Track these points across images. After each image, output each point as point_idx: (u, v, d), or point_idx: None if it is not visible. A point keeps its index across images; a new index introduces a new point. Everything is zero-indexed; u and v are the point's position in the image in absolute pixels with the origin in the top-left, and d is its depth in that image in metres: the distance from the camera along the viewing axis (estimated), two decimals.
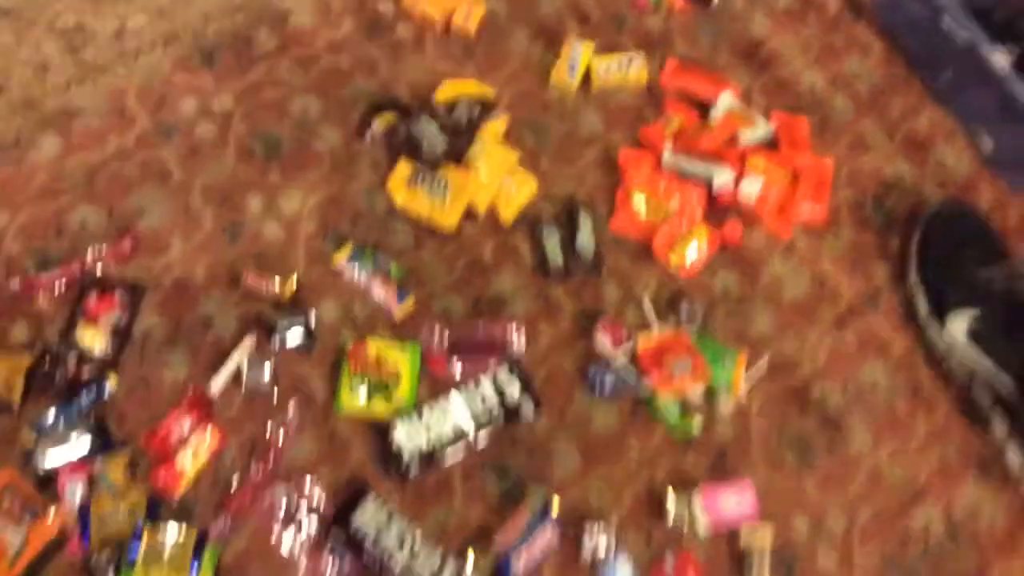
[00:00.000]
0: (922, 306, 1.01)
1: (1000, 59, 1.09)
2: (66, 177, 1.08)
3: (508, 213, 1.09)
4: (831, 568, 0.92)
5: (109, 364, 0.95)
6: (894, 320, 1.04)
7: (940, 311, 0.98)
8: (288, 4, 1.21)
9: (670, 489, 0.92)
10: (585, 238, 1.06)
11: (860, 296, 1.06)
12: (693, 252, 1.05)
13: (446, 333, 0.99)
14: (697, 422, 0.96)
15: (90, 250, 1.01)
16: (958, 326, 0.96)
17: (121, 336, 0.97)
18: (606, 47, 1.20)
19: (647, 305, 1.03)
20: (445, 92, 1.14)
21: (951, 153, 1.15)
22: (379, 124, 1.12)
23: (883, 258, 1.08)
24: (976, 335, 0.95)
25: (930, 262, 1.01)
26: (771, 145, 1.13)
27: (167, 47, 1.18)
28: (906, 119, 1.17)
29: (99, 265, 1.01)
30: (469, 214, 1.08)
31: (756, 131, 1.12)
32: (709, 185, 1.09)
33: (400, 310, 1.01)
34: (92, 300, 0.98)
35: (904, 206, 1.11)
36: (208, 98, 1.14)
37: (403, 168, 1.09)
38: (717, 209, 1.10)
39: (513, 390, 0.96)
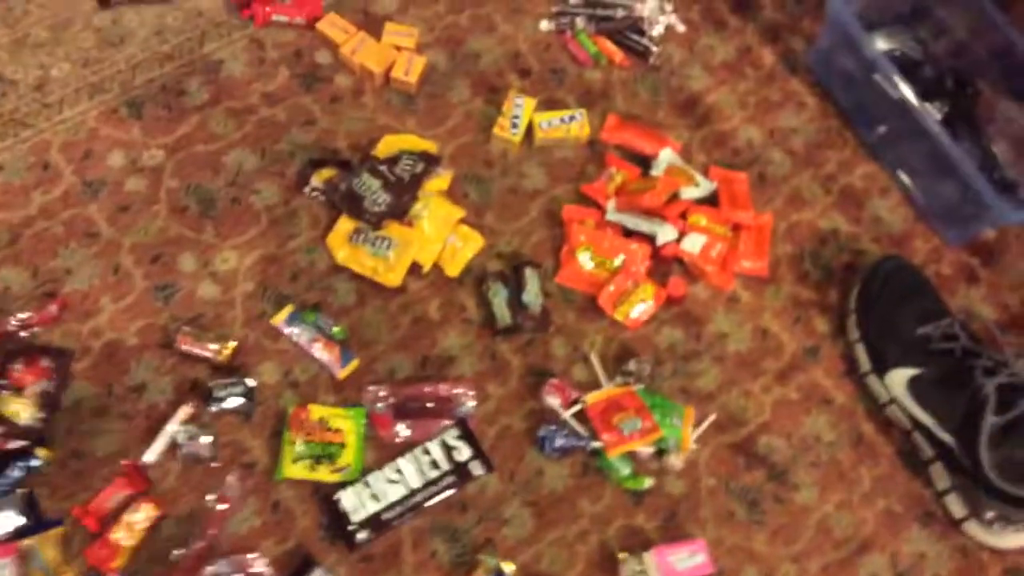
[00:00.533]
0: (863, 362, 1.08)
1: (930, 116, 1.18)
2: None
3: (454, 269, 1.12)
4: None
5: (37, 436, 0.95)
6: (835, 372, 1.11)
7: (880, 367, 1.05)
8: (221, 53, 1.23)
9: (621, 555, 0.96)
10: (532, 294, 1.10)
11: (802, 349, 1.12)
12: (639, 308, 1.10)
13: (392, 396, 1.02)
14: (648, 480, 1.00)
15: (14, 315, 1.01)
16: (898, 380, 1.03)
17: (49, 405, 0.97)
18: (547, 101, 1.25)
19: (595, 363, 1.07)
20: (386, 147, 1.18)
21: (886, 207, 1.24)
22: (318, 179, 1.15)
23: (823, 311, 1.15)
24: (916, 391, 1.02)
25: (870, 319, 1.08)
26: (711, 201, 1.19)
27: (93, 98, 1.19)
28: (842, 173, 1.25)
29: (24, 331, 1.01)
30: (413, 270, 1.11)
31: (697, 189, 1.18)
32: (653, 241, 1.15)
33: (344, 372, 1.04)
34: (17, 368, 0.97)
35: (841, 260, 1.19)
36: (137, 152, 1.15)
37: (344, 224, 1.12)
38: (660, 264, 1.15)
39: (462, 453, 0.99)
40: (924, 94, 1.26)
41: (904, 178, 1.25)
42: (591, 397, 1.04)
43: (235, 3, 1.25)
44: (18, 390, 0.97)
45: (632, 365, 1.07)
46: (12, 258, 1.07)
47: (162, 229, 1.11)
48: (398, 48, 1.24)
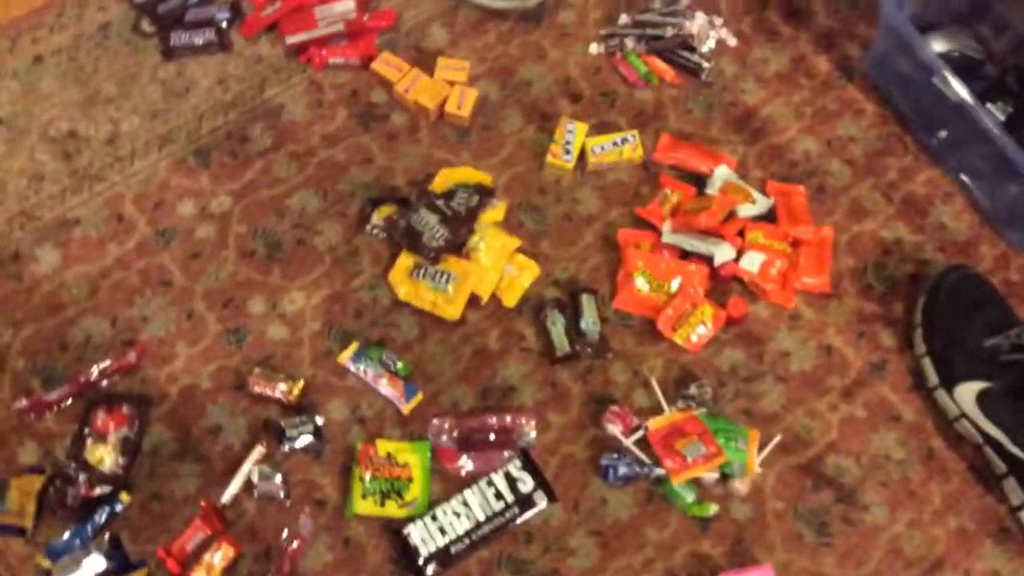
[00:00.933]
0: (931, 377, 1.06)
1: (991, 117, 1.15)
2: (68, 289, 1.13)
3: (511, 299, 1.14)
4: None
5: (120, 481, 0.99)
6: (903, 387, 1.09)
7: (948, 381, 1.03)
8: (281, 99, 1.27)
9: None
10: (589, 321, 1.11)
11: (867, 365, 1.10)
12: (699, 330, 1.10)
13: (456, 429, 1.04)
14: (713, 506, 1.00)
15: (96, 364, 1.06)
16: (967, 395, 1.01)
17: (131, 451, 1.01)
18: (599, 124, 1.26)
19: (655, 388, 1.07)
20: (442, 181, 1.20)
21: (950, 213, 1.20)
22: (378, 217, 1.17)
23: (888, 325, 1.13)
24: (985, 405, 0.99)
25: (936, 332, 1.06)
26: (769, 217, 1.18)
27: (162, 149, 1.24)
28: (903, 181, 1.23)
29: (105, 379, 1.06)
30: (472, 301, 1.13)
31: (754, 207, 1.17)
32: (710, 261, 1.14)
33: (408, 406, 1.06)
34: (100, 416, 1.02)
35: (905, 271, 1.16)
36: (206, 199, 1.20)
37: (404, 261, 1.14)
38: (719, 284, 1.15)
39: (526, 484, 1.00)
40: (986, 94, 1.22)
41: (968, 182, 1.22)
42: (653, 423, 1.04)
43: (292, 48, 1.29)
44: (101, 437, 1.02)
45: (693, 389, 1.06)
46: (92, 309, 1.12)
47: (232, 274, 1.15)
48: (451, 83, 1.26)
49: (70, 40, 1.33)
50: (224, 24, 1.30)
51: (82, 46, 1.32)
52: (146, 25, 1.32)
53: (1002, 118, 1.20)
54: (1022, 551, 1.00)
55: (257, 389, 1.05)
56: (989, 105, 1.21)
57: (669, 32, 1.29)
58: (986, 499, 1.03)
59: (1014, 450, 0.97)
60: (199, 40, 1.28)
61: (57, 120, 1.26)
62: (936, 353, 1.05)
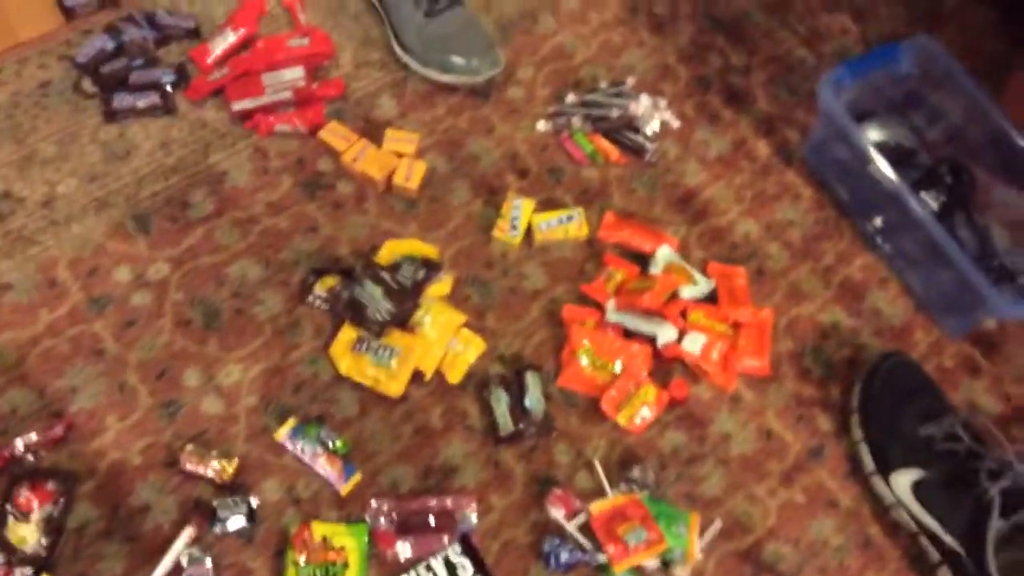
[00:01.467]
0: (867, 463, 1.07)
1: (923, 206, 1.18)
2: None
3: (455, 375, 1.12)
4: None
5: (42, 562, 0.94)
6: (840, 473, 1.09)
7: (884, 468, 1.04)
8: (225, 165, 1.25)
9: None
10: (534, 399, 1.10)
11: (806, 450, 1.11)
12: (642, 412, 1.09)
13: (394, 511, 1.01)
14: None
15: (20, 437, 1.01)
16: (903, 483, 1.02)
17: (55, 530, 0.96)
18: (546, 200, 1.26)
19: (599, 470, 1.06)
20: (388, 253, 1.18)
21: (886, 298, 1.23)
22: (321, 288, 1.15)
23: (825, 409, 1.14)
24: (920, 494, 1.00)
25: (872, 418, 1.07)
26: (711, 298, 1.19)
27: (99, 213, 1.20)
28: (840, 265, 1.25)
29: (30, 453, 1.01)
30: (415, 377, 1.11)
31: (696, 288, 1.18)
32: (653, 341, 1.14)
33: (346, 487, 1.03)
34: (23, 493, 0.97)
35: (843, 355, 1.18)
36: (143, 266, 1.16)
37: (347, 334, 1.12)
38: (662, 364, 1.15)
39: (466, 570, 0.98)
40: (920, 183, 1.26)
41: (903, 269, 1.25)
42: (595, 507, 1.02)
43: (238, 114, 1.27)
44: (24, 515, 0.96)
45: (636, 472, 1.06)
46: (19, 379, 1.07)
47: (167, 344, 1.11)
48: (399, 154, 1.26)
49: (8, 97, 1.29)
50: (169, 87, 1.28)
51: (20, 104, 1.28)
52: (88, 85, 1.29)
53: (935, 207, 1.24)
54: None
55: (189, 467, 1.01)
56: (923, 194, 1.24)
57: (615, 113, 1.31)
58: None
59: (948, 540, 0.98)
60: (142, 103, 1.26)
61: None
62: (872, 440, 1.07)
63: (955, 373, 1.18)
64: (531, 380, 1.11)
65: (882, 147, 1.27)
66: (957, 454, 0.99)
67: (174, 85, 1.28)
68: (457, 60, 1.29)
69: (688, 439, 1.10)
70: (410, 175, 1.24)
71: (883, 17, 1.49)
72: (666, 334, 1.14)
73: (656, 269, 1.20)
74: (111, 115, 1.26)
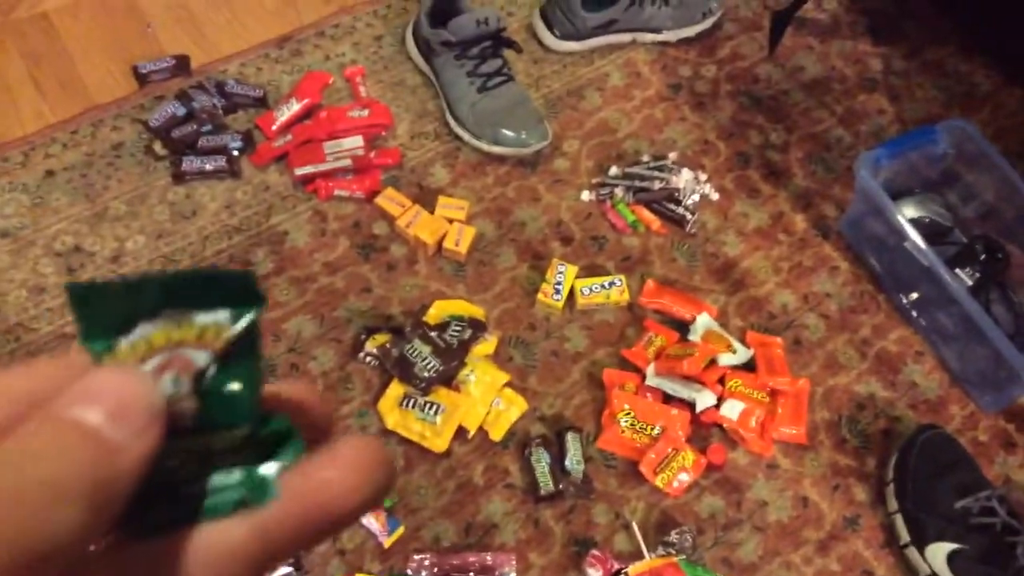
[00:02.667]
0: (902, 535, 1.07)
1: (957, 282, 1.20)
2: None
3: (498, 433, 1.15)
4: None
5: None
6: (875, 543, 1.10)
7: (920, 540, 1.04)
8: (286, 226, 1.30)
9: None
10: (574, 460, 1.12)
11: (842, 519, 1.11)
12: (680, 476, 1.11)
13: (436, 566, 1.03)
14: None
15: None
16: (938, 555, 1.02)
17: None
18: (588, 267, 1.30)
19: (636, 532, 1.08)
20: (437, 312, 1.22)
21: (921, 371, 1.24)
22: (372, 345, 1.19)
23: (861, 479, 1.15)
24: (955, 567, 1.00)
25: (908, 490, 1.08)
26: (748, 366, 1.21)
27: (165, 269, 1.26)
28: (876, 338, 1.27)
29: None
30: (459, 434, 1.14)
31: (735, 356, 1.20)
32: (692, 406, 1.16)
33: (390, 540, 1.05)
34: None
35: (878, 426, 1.19)
36: None
37: (395, 390, 1.15)
38: (700, 429, 1.16)
39: None
40: (955, 259, 1.28)
41: (938, 343, 1.26)
42: (633, 569, 1.04)
43: (300, 179, 1.33)
44: None
45: (674, 536, 1.07)
46: None
47: None
48: (450, 220, 1.30)
49: (82, 157, 1.36)
50: (235, 152, 1.34)
51: (94, 164, 1.35)
52: (159, 148, 1.36)
53: (970, 283, 1.26)
54: None
55: None
56: (957, 270, 1.26)
57: (656, 185, 1.35)
58: None
59: None
60: (210, 166, 1.32)
61: (63, 234, 1.28)
62: (908, 511, 1.07)
63: (990, 447, 1.18)
64: (571, 441, 1.13)
65: (917, 224, 1.29)
66: (993, 528, 1.00)
67: (240, 150, 1.34)
68: (507, 133, 1.34)
69: (725, 504, 1.11)
70: (460, 240, 1.28)
71: (918, 99, 1.52)
72: (705, 400, 1.16)
73: (695, 336, 1.23)
74: (180, 177, 1.32)
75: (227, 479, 0.24)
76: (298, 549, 0.24)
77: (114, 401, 0.21)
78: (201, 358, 0.24)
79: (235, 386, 0.24)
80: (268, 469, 0.24)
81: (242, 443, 0.24)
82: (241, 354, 0.24)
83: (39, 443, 0.20)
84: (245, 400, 0.24)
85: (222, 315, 0.24)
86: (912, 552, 1.06)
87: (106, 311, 0.24)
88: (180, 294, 0.24)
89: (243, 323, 0.24)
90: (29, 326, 1.20)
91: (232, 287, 0.24)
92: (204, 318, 0.24)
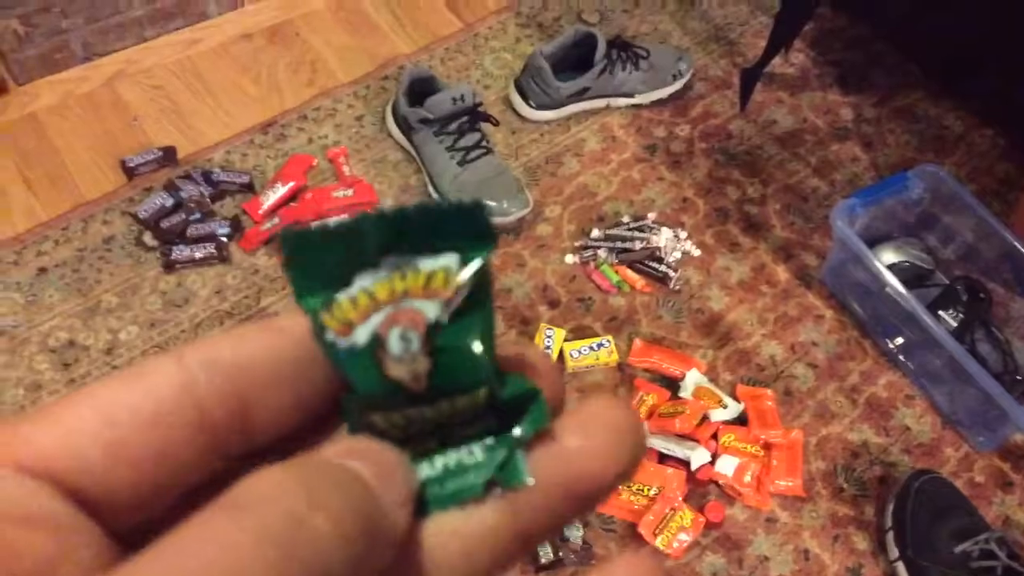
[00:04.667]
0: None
1: (940, 326, 1.21)
2: None
3: None
4: None
5: None
6: None
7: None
8: (277, 307, 1.32)
9: None
10: (572, 527, 1.12)
11: (844, 570, 1.11)
12: (679, 536, 1.11)
13: None
14: None
15: None
16: None
17: None
18: (576, 328, 1.31)
19: None
20: None
21: (913, 415, 1.25)
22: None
23: (860, 528, 1.14)
24: None
25: (907, 538, 1.08)
26: (740, 420, 1.22)
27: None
28: (865, 384, 1.28)
29: None
30: None
31: (726, 411, 1.21)
32: (687, 464, 1.17)
33: None
34: None
35: (874, 473, 1.19)
36: None
37: None
38: (696, 486, 1.17)
39: None
40: (937, 302, 1.30)
41: (927, 386, 1.27)
42: None
43: None
44: None
45: None
46: None
47: None
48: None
49: (74, 253, 1.38)
50: (224, 238, 1.36)
51: (86, 258, 1.37)
52: (149, 239, 1.38)
53: (954, 324, 1.27)
54: None
55: None
56: (941, 312, 1.28)
57: (638, 245, 1.37)
58: None
59: None
60: (199, 254, 1.34)
61: (57, 330, 1.30)
62: (909, 559, 1.07)
63: (987, 488, 1.18)
64: None
65: (897, 269, 1.31)
66: (995, 571, 0.99)
67: (228, 236, 1.37)
68: (489, 203, 1.37)
69: (727, 562, 1.11)
70: None
71: (891, 145, 1.55)
72: (700, 457, 1.16)
73: (686, 393, 1.24)
74: (170, 266, 1.34)
75: (468, 457, 0.21)
76: (552, 533, 0.22)
77: (377, 465, 0.19)
78: (431, 310, 0.21)
79: (473, 339, 0.21)
80: (517, 444, 0.21)
81: (481, 409, 0.21)
82: (474, 302, 0.21)
83: (321, 479, 0.18)
84: (484, 355, 0.21)
85: (450, 258, 0.21)
86: None
87: (321, 262, 0.21)
88: (402, 236, 0.21)
89: (475, 265, 0.21)
90: None
91: (460, 224, 0.21)
92: (430, 263, 0.21)
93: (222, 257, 1.35)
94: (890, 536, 1.10)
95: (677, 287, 1.36)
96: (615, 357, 1.28)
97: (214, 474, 0.21)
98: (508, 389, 0.21)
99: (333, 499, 0.18)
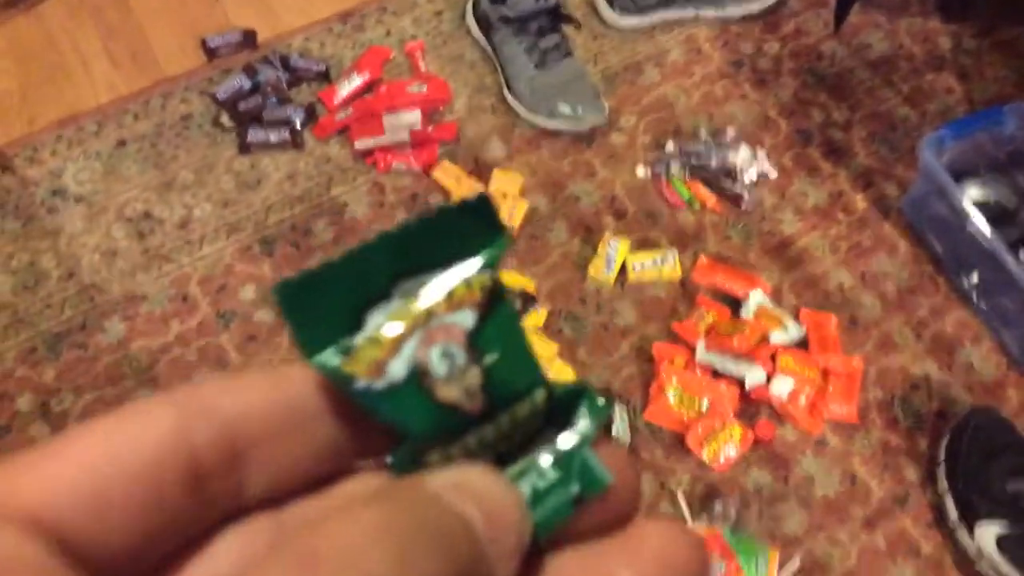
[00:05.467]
0: (951, 513, 1.09)
1: (1021, 267, 1.20)
2: (129, 362, 1.21)
3: None
4: None
5: None
6: (924, 522, 1.12)
7: (969, 519, 1.06)
8: (346, 197, 1.37)
9: None
10: (620, 431, 1.16)
11: (890, 496, 1.14)
12: (727, 450, 1.15)
13: None
14: None
15: None
16: (987, 536, 1.04)
17: None
18: (641, 241, 1.34)
19: (681, 501, 1.12)
20: None
21: (979, 354, 1.25)
22: None
23: (912, 459, 1.17)
24: (1005, 547, 1.02)
25: (959, 470, 1.10)
26: (801, 344, 1.24)
27: (230, 236, 1.33)
28: (933, 319, 1.28)
29: None
30: None
31: (787, 333, 1.23)
32: (741, 383, 1.20)
33: None
34: None
35: (932, 407, 1.20)
36: (267, 286, 1.28)
37: None
38: (749, 405, 1.20)
39: None
40: (1019, 242, 1.28)
41: (998, 327, 1.27)
42: None
43: (360, 152, 1.39)
44: None
45: (718, 507, 1.11)
46: (150, 381, 1.20)
47: (284, 359, 1.22)
48: (504, 194, 1.35)
49: (153, 128, 1.44)
50: (298, 125, 1.41)
51: (164, 134, 1.44)
52: (225, 120, 1.43)
53: None
54: None
55: None
56: (1022, 253, 1.27)
57: (714, 161, 1.38)
58: None
59: None
60: (274, 138, 1.39)
61: (134, 201, 1.37)
62: (958, 491, 1.09)
63: None
64: (618, 412, 1.18)
65: (982, 206, 1.30)
66: None
67: (303, 123, 1.41)
68: (564, 108, 1.38)
69: (772, 479, 1.15)
70: (513, 213, 1.33)
71: (988, 78, 1.52)
72: (755, 376, 1.19)
73: (748, 313, 1.26)
74: (245, 148, 1.40)
75: (543, 474, 0.19)
76: None
77: (491, 508, 0.18)
78: (466, 319, 0.20)
79: (517, 336, 0.20)
80: (585, 446, 0.20)
81: (541, 414, 0.20)
82: (498, 300, 0.20)
83: (419, 529, 0.17)
84: (532, 353, 0.20)
85: (470, 264, 0.20)
86: (961, 532, 1.08)
87: (325, 308, 0.20)
88: (408, 255, 0.20)
89: (494, 263, 0.20)
90: (102, 288, 1.28)
91: (467, 225, 0.20)
92: (449, 277, 0.20)
93: (296, 143, 1.40)
94: (941, 469, 1.12)
95: (750, 208, 1.37)
96: (678, 272, 1.30)
97: (206, 521, 0.20)
98: (559, 389, 0.20)
99: (430, 562, 0.16)
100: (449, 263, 0.20)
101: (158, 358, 1.22)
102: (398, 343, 0.19)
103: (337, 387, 0.20)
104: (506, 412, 0.20)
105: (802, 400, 1.18)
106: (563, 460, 0.20)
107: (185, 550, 0.19)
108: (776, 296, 1.29)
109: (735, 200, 1.37)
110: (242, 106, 1.43)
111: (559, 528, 0.19)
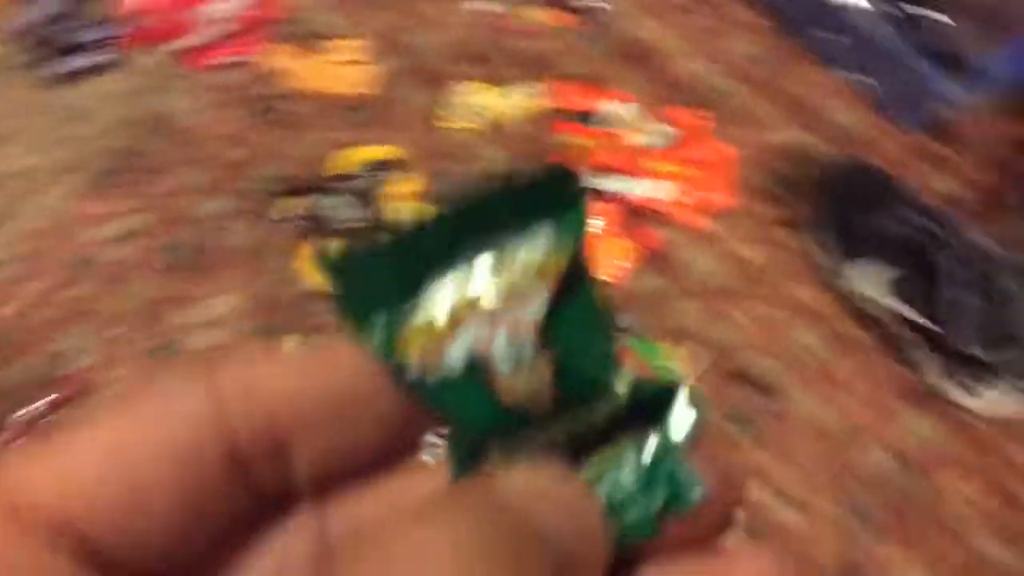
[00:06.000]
0: (835, 265, 1.13)
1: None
2: None
3: None
4: (792, 520, 1.03)
5: None
6: (814, 284, 1.16)
7: (852, 265, 1.10)
8: (178, 107, 1.31)
9: None
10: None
11: (780, 269, 1.17)
12: (618, 264, 1.16)
13: None
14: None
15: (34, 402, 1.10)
16: (872, 278, 1.08)
17: None
18: (496, 78, 1.31)
19: None
20: (344, 162, 1.24)
21: (841, 109, 1.27)
22: (284, 209, 1.22)
23: (796, 228, 1.20)
24: (893, 287, 1.06)
25: (837, 224, 1.13)
26: (673, 144, 1.24)
27: (65, 178, 1.27)
28: (795, 87, 1.29)
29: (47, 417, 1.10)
30: None
31: (654, 136, 1.23)
32: (623, 197, 1.20)
33: None
34: None
35: (806, 173, 1.23)
36: (117, 222, 1.23)
37: (307, 251, 1.18)
38: (635, 217, 1.21)
39: None
40: None
41: (857, 76, 1.28)
42: None
43: (179, 55, 1.32)
44: None
45: (619, 320, 1.13)
46: (19, 351, 1.16)
47: (155, 291, 1.19)
48: (349, 63, 1.30)
49: None
50: (106, 43, 1.33)
51: None
52: (29, 57, 1.34)
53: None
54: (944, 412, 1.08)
55: None
56: None
57: None
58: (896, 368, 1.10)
59: (920, 320, 1.05)
60: (86, 62, 1.31)
61: None
62: (840, 243, 1.12)
63: (915, 169, 1.22)
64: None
65: None
66: (923, 246, 1.05)
67: (111, 39, 1.33)
68: None
69: (664, 280, 1.17)
70: (359, 82, 1.29)
71: None
72: (636, 188, 1.19)
73: (612, 126, 1.25)
74: (57, 80, 1.32)
75: (619, 488, 0.17)
76: None
77: (566, 519, 0.17)
78: (535, 303, 0.18)
79: (595, 326, 0.18)
80: (677, 453, 0.18)
81: (622, 417, 0.18)
82: (575, 282, 0.18)
83: (492, 532, 0.16)
84: (612, 343, 0.18)
85: (541, 238, 0.18)
86: (847, 280, 1.12)
87: (382, 287, 0.18)
88: (475, 232, 0.18)
89: (574, 241, 0.18)
90: None
91: (538, 194, 0.18)
92: (518, 258, 0.18)
93: (110, 63, 1.32)
94: (820, 229, 1.15)
95: (605, 18, 1.34)
96: (539, 103, 1.28)
97: (248, 514, 0.19)
98: (647, 387, 0.18)
99: None
100: (520, 240, 0.18)
101: (20, 323, 1.18)
102: (455, 324, 0.18)
103: (390, 374, 0.18)
104: (580, 410, 0.18)
105: (683, 198, 1.20)
106: (648, 468, 0.18)
107: (222, 553, 0.18)
108: (642, 101, 1.29)
109: (588, 12, 1.35)
110: (42, 34, 1.34)
111: (639, 544, 0.17)
